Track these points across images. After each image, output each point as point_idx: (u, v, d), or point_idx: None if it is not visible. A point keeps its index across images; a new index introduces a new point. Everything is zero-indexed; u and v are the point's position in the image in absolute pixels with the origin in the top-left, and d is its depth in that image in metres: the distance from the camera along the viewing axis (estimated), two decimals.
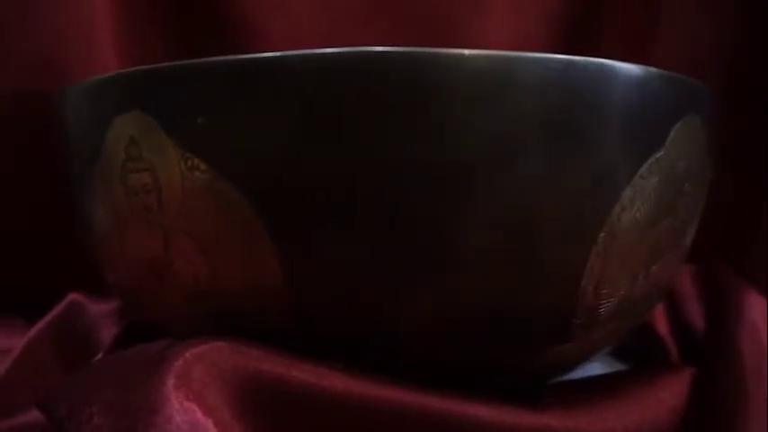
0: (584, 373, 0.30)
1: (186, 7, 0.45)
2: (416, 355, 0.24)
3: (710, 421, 0.27)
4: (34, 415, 0.29)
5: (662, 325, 0.36)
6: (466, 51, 0.21)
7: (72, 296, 0.39)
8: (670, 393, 0.27)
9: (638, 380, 0.28)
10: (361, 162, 0.22)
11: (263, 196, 0.22)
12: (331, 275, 0.23)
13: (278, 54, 0.22)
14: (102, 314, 0.39)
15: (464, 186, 0.22)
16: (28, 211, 0.43)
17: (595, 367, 0.32)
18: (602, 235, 0.23)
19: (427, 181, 0.22)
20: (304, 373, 0.21)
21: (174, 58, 0.44)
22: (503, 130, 0.22)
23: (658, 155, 0.24)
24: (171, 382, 0.19)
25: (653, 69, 0.24)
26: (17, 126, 0.41)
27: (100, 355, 0.34)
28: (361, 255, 0.23)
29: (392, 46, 0.22)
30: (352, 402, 0.22)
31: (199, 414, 0.19)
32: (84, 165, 0.26)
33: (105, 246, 0.28)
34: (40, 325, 0.35)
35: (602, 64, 0.23)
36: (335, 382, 0.22)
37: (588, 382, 0.29)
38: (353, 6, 0.47)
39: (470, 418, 0.23)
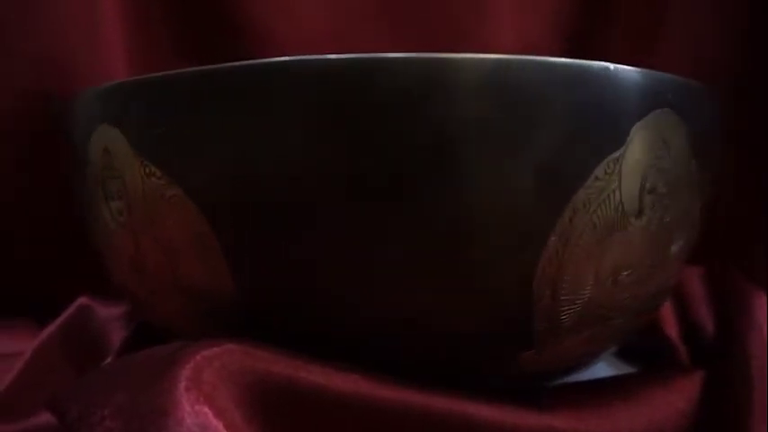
0: (591, 374, 0.30)
1: (193, 9, 0.45)
2: (374, 355, 0.24)
3: (719, 424, 0.26)
4: (45, 417, 0.29)
5: (671, 327, 0.36)
6: (396, 55, 0.21)
7: (81, 300, 0.39)
8: (680, 396, 0.27)
9: (647, 382, 0.28)
10: (303, 173, 0.22)
11: (210, 202, 0.23)
12: (275, 281, 0.23)
13: (220, 66, 0.22)
14: (111, 317, 0.40)
15: (398, 190, 0.22)
16: (36, 215, 0.43)
17: (603, 369, 0.32)
18: (552, 238, 0.23)
19: (364, 188, 0.22)
20: (313, 375, 0.22)
21: (182, 58, 0.45)
22: (439, 133, 0.21)
23: (616, 155, 0.23)
24: (182, 384, 0.20)
25: (603, 65, 0.23)
26: (28, 126, 0.42)
27: (109, 359, 0.35)
28: (305, 262, 0.23)
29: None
30: (361, 403, 0.22)
31: (210, 416, 0.19)
32: (80, 168, 0.28)
33: (102, 247, 0.29)
34: (51, 328, 0.35)
35: (541, 62, 0.22)
36: (344, 382, 0.22)
37: (596, 383, 0.29)
38: (357, 8, 0.47)
39: (477, 419, 0.23)
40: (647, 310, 0.29)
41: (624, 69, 0.23)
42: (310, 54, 0.22)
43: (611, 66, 0.23)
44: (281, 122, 0.22)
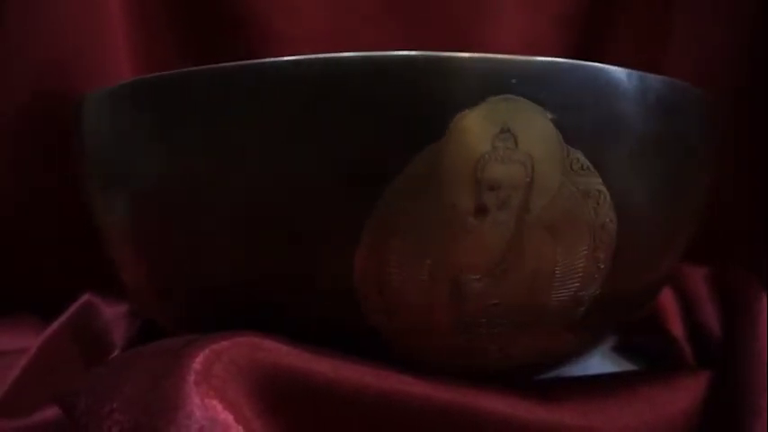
0: (595, 371, 0.30)
1: (196, 7, 0.45)
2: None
3: (723, 424, 0.27)
4: (49, 413, 0.29)
5: (676, 326, 0.36)
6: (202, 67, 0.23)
7: (86, 297, 0.39)
8: (684, 395, 0.27)
9: (651, 380, 0.28)
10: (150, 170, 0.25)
11: (128, 198, 0.26)
12: (176, 275, 0.26)
13: (129, 80, 0.26)
14: (115, 315, 0.39)
15: (204, 189, 0.23)
16: (39, 213, 0.43)
17: (607, 366, 0.32)
18: (365, 235, 0.22)
19: (175, 189, 0.24)
20: (323, 368, 0.22)
21: (185, 57, 0.45)
22: (243, 133, 0.22)
23: (432, 148, 0.21)
24: (191, 378, 0.19)
25: (406, 55, 0.21)
26: (28, 126, 0.42)
27: (115, 354, 0.35)
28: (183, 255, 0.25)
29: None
30: (370, 395, 0.22)
31: (219, 410, 0.19)
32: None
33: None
34: (55, 326, 0.35)
35: (334, 58, 0.21)
36: (353, 375, 0.22)
37: (601, 380, 0.29)
38: (358, 7, 0.47)
39: (485, 412, 0.23)
40: (558, 321, 0.25)
41: (438, 57, 0.21)
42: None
43: (419, 55, 0.21)
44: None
